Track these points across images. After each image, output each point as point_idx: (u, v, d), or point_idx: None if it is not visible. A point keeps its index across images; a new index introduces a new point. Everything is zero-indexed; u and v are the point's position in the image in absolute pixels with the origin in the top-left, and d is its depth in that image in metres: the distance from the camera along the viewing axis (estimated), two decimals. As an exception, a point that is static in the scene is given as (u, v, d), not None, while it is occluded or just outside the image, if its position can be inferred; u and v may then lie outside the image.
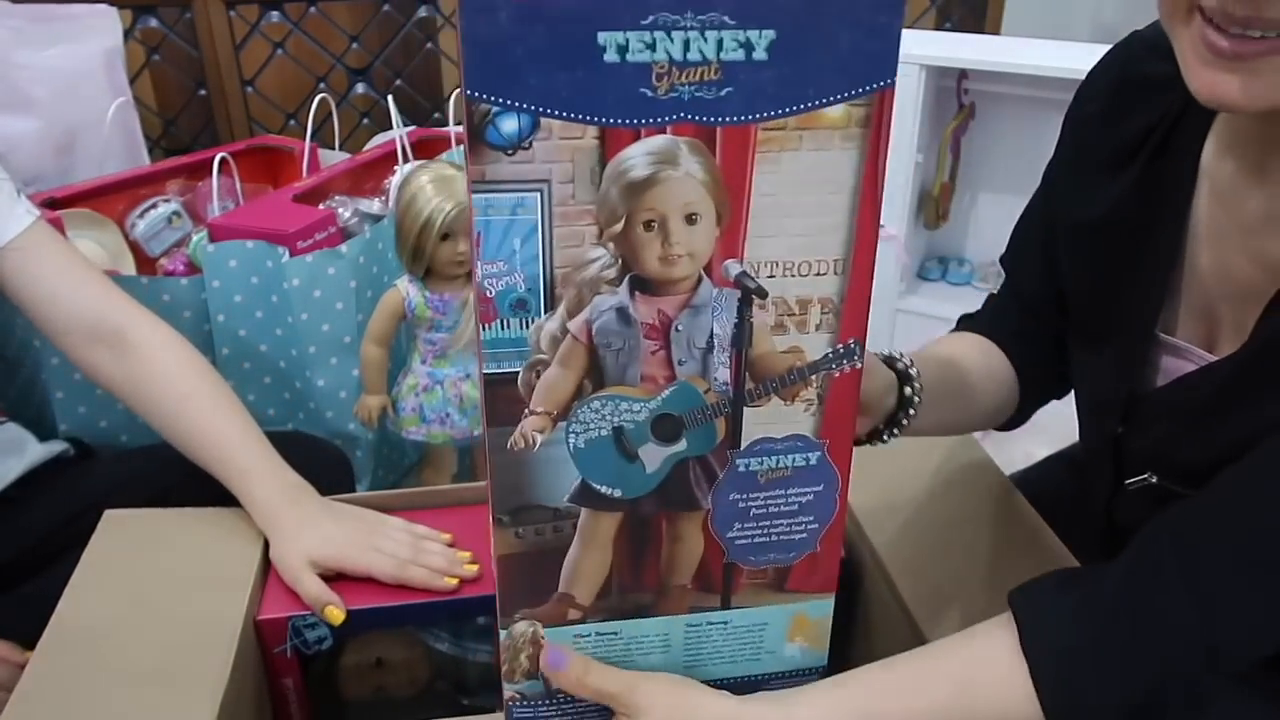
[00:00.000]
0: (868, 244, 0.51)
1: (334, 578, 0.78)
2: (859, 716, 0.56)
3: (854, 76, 0.46)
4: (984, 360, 0.81)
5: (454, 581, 0.78)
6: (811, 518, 0.56)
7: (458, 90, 1.98)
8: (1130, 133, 0.71)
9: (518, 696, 0.61)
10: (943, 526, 0.83)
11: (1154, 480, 0.70)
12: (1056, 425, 0.88)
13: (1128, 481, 0.72)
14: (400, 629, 0.82)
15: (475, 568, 0.79)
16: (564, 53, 0.43)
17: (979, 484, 0.88)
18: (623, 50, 0.44)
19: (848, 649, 0.86)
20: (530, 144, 0.46)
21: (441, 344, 1.41)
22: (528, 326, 0.50)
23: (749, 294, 0.50)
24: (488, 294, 0.48)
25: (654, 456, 0.54)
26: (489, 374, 0.51)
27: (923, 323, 2.23)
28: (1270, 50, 0.51)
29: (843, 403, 0.54)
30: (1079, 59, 1.77)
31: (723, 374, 0.52)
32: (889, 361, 0.69)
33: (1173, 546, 0.55)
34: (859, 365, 0.53)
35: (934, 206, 2.22)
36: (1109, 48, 0.76)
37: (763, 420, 0.54)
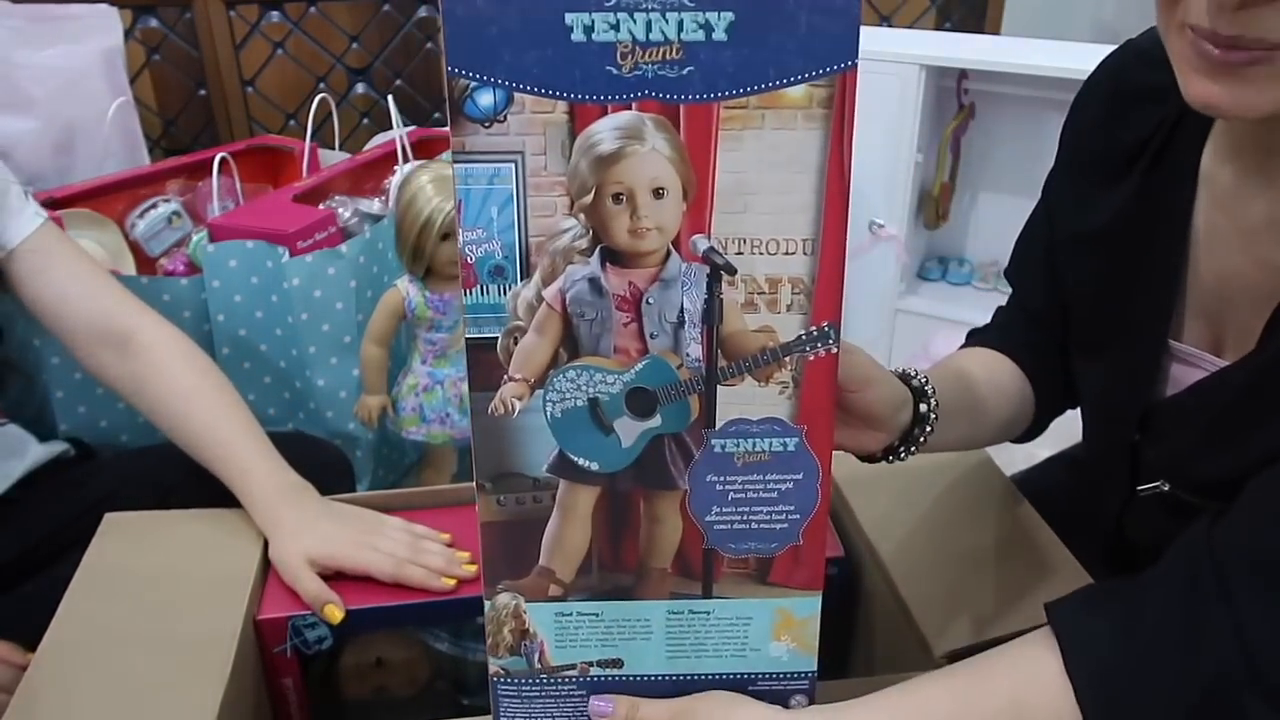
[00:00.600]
0: (837, 227, 0.51)
1: (333, 577, 0.78)
2: None
3: (814, 58, 0.47)
4: (997, 374, 0.81)
5: (452, 581, 0.78)
6: (792, 507, 0.56)
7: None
8: (1127, 142, 0.71)
9: (502, 672, 0.61)
10: (943, 527, 0.83)
11: (1166, 488, 0.70)
12: (1058, 425, 0.88)
13: (1140, 489, 0.72)
14: (400, 629, 0.82)
15: (474, 568, 0.79)
16: (535, 32, 0.46)
17: (980, 484, 0.88)
18: (589, 30, 0.46)
19: (848, 650, 0.86)
20: (505, 117, 0.48)
21: (442, 344, 1.41)
22: (506, 293, 0.52)
23: (717, 270, 0.51)
24: (468, 260, 0.51)
25: (629, 431, 0.55)
26: (470, 338, 0.53)
27: (923, 323, 2.23)
28: (1259, 59, 0.52)
29: (819, 389, 0.54)
30: (1079, 59, 1.77)
31: (695, 350, 0.53)
32: (904, 378, 0.68)
33: (1211, 563, 0.54)
34: (834, 350, 0.53)
35: (934, 206, 2.22)
36: (1107, 52, 0.76)
37: (737, 400, 0.54)
